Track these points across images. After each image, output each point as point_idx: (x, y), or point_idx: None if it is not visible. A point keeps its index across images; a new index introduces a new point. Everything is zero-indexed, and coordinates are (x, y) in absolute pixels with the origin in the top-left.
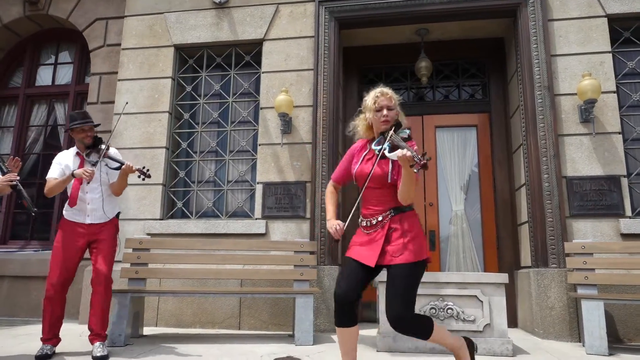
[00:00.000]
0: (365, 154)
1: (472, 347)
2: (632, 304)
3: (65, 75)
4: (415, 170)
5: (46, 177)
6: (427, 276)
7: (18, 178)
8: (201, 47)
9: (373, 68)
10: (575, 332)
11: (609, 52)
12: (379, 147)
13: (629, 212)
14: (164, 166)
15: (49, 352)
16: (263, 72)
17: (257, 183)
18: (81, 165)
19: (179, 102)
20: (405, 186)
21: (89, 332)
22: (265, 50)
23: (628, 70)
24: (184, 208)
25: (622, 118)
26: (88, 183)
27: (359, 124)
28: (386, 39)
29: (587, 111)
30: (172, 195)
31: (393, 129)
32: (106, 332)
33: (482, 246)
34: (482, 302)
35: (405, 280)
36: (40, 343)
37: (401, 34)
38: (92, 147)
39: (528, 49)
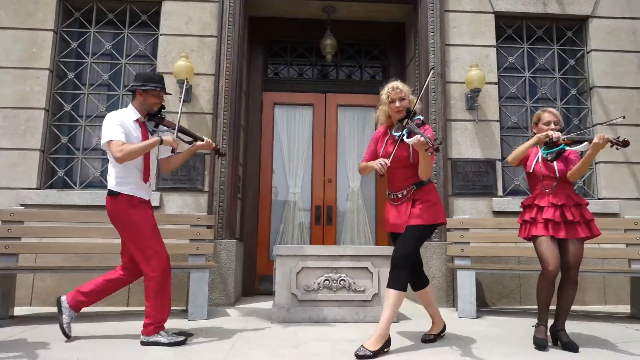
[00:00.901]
0: (387, 139)
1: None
2: (498, 273)
3: None
4: (429, 154)
5: (110, 139)
6: (323, 250)
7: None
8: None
9: (279, 41)
10: (451, 299)
11: (494, 46)
12: (398, 134)
13: (500, 192)
14: (43, 130)
15: None
16: (161, 35)
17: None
18: (144, 134)
19: (62, 59)
20: (423, 165)
21: None
22: (164, 11)
23: (508, 65)
24: (66, 177)
25: (500, 107)
26: (173, 152)
27: (379, 114)
28: (293, 11)
29: (473, 99)
30: (52, 163)
31: (409, 117)
32: None
33: (375, 221)
34: (372, 273)
35: (412, 235)
36: None
37: (308, 8)
38: (154, 115)
39: (425, 36)
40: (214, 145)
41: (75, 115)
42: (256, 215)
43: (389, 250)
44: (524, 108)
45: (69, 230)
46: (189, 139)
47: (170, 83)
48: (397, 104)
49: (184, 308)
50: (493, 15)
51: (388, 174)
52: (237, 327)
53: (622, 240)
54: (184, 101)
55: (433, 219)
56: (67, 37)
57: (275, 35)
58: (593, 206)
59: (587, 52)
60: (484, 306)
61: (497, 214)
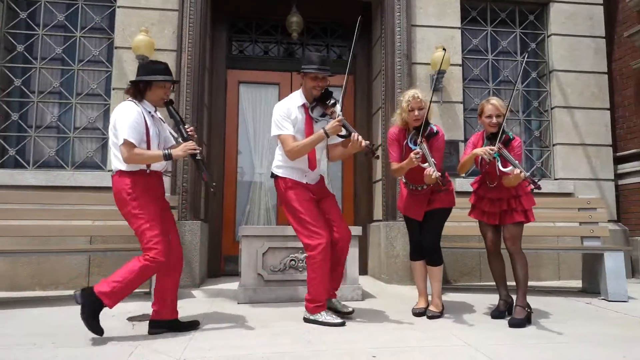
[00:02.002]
0: (405, 145)
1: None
2: (460, 251)
3: None
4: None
5: (279, 135)
6: (289, 230)
7: (199, 148)
8: None
9: (244, 17)
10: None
11: (459, 28)
12: (417, 147)
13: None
14: None
15: None
16: (119, 7)
17: None
18: (308, 119)
19: (10, 30)
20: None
21: None
22: None
23: (472, 47)
24: (17, 156)
25: (464, 89)
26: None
27: (397, 117)
28: None
29: (438, 81)
30: (1, 141)
31: (425, 131)
32: None
33: (342, 201)
34: None
35: (439, 219)
36: None
37: None
38: (320, 100)
39: (392, 16)
40: (363, 144)
41: (26, 91)
42: (221, 196)
43: (355, 230)
44: (486, 90)
45: (22, 212)
46: (344, 131)
47: (128, 58)
48: (417, 112)
49: (147, 290)
50: None
51: (415, 169)
52: (203, 309)
53: (575, 218)
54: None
55: (449, 203)
56: (14, 6)
57: (239, 11)
58: (549, 186)
59: (548, 36)
60: (446, 284)
61: (460, 194)
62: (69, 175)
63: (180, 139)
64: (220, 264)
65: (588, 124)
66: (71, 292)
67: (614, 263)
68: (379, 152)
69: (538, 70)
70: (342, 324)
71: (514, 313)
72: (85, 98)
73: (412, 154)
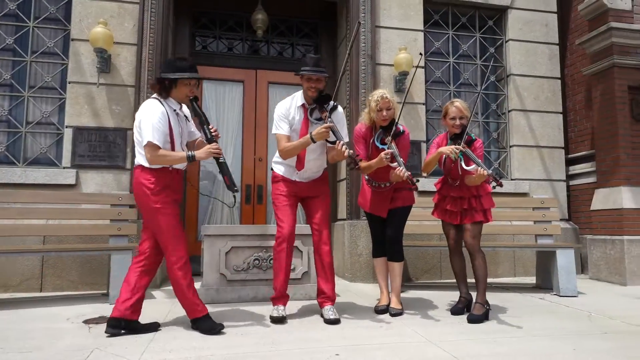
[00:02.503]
0: (371, 143)
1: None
2: (422, 249)
3: None
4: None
5: (275, 133)
6: (253, 229)
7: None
8: None
9: (207, 12)
10: (369, 274)
11: (422, 30)
12: (384, 146)
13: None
14: None
15: None
16: None
17: (66, 127)
18: (305, 120)
19: None
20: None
21: None
22: None
23: (435, 49)
24: None
25: (426, 91)
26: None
27: (365, 116)
28: None
29: (401, 82)
30: None
31: (392, 131)
32: None
33: None
34: (302, 252)
35: (402, 216)
36: None
37: None
38: (318, 101)
39: (357, 16)
40: (345, 154)
41: None
42: (183, 194)
43: (304, 229)
44: (447, 92)
45: None
46: (333, 138)
47: (86, 51)
48: (385, 113)
49: (105, 292)
50: (421, 0)
51: (380, 167)
52: (163, 310)
53: (530, 217)
54: (102, 72)
55: (413, 201)
56: None
57: (203, 6)
58: (507, 186)
59: (506, 42)
60: (407, 281)
61: (422, 193)
62: (20, 172)
63: (204, 139)
64: None
65: (542, 127)
66: (23, 294)
67: (565, 260)
68: (360, 166)
69: (496, 74)
70: (279, 320)
71: (472, 309)
72: (38, 91)
73: (382, 154)
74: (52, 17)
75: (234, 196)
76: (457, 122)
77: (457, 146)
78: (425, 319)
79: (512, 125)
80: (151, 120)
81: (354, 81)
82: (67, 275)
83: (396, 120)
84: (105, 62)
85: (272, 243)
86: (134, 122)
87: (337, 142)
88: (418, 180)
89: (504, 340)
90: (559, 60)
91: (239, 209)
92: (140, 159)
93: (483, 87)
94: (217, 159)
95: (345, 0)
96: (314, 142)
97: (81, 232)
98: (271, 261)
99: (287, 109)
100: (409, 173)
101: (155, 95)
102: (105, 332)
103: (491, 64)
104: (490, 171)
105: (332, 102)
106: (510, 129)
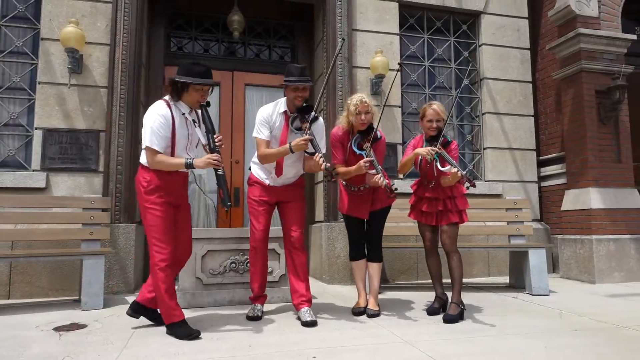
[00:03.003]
0: (349, 148)
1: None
2: (397, 250)
3: None
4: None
5: (255, 137)
6: (229, 232)
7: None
8: None
9: (183, 13)
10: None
11: (398, 34)
12: (362, 152)
13: (401, 175)
14: None
15: None
16: None
17: (36, 128)
18: (285, 128)
19: None
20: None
21: None
22: None
23: (410, 53)
24: None
25: (402, 94)
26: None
27: (343, 119)
28: None
29: (377, 85)
30: None
31: (371, 137)
32: None
33: None
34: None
35: (382, 218)
36: None
37: None
38: (300, 111)
39: (334, 19)
40: (323, 166)
41: None
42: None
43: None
44: (423, 95)
45: None
46: (312, 149)
47: (56, 51)
48: (363, 117)
49: (76, 298)
50: (397, 4)
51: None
52: None
53: (503, 218)
54: (73, 72)
55: (391, 201)
56: None
57: (178, 6)
58: (481, 187)
59: (479, 46)
60: (385, 282)
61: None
62: None
63: (207, 148)
64: None
65: (515, 130)
66: None
67: (537, 259)
68: (336, 178)
69: (470, 78)
70: (255, 319)
71: (448, 309)
72: (6, 92)
73: (362, 162)
74: (21, 15)
75: (227, 208)
76: (434, 124)
77: (433, 147)
78: (402, 320)
79: (485, 128)
80: (151, 124)
81: (331, 84)
82: (36, 281)
83: (376, 127)
84: (76, 62)
85: (249, 246)
86: (106, 124)
87: (316, 154)
88: (397, 189)
89: (479, 339)
90: (530, 64)
91: (215, 212)
92: (143, 157)
93: (458, 91)
94: (215, 170)
95: (321, 3)
96: (292, 152)
97: (52, 236)
98: (248, 264)
99: (269, 114)
100: (388, 181)
101: (167, 96)
102: (126, 312)
103: (467, 67)
104: (464, 172)
105: (313, 113)
106: (484, 132)
